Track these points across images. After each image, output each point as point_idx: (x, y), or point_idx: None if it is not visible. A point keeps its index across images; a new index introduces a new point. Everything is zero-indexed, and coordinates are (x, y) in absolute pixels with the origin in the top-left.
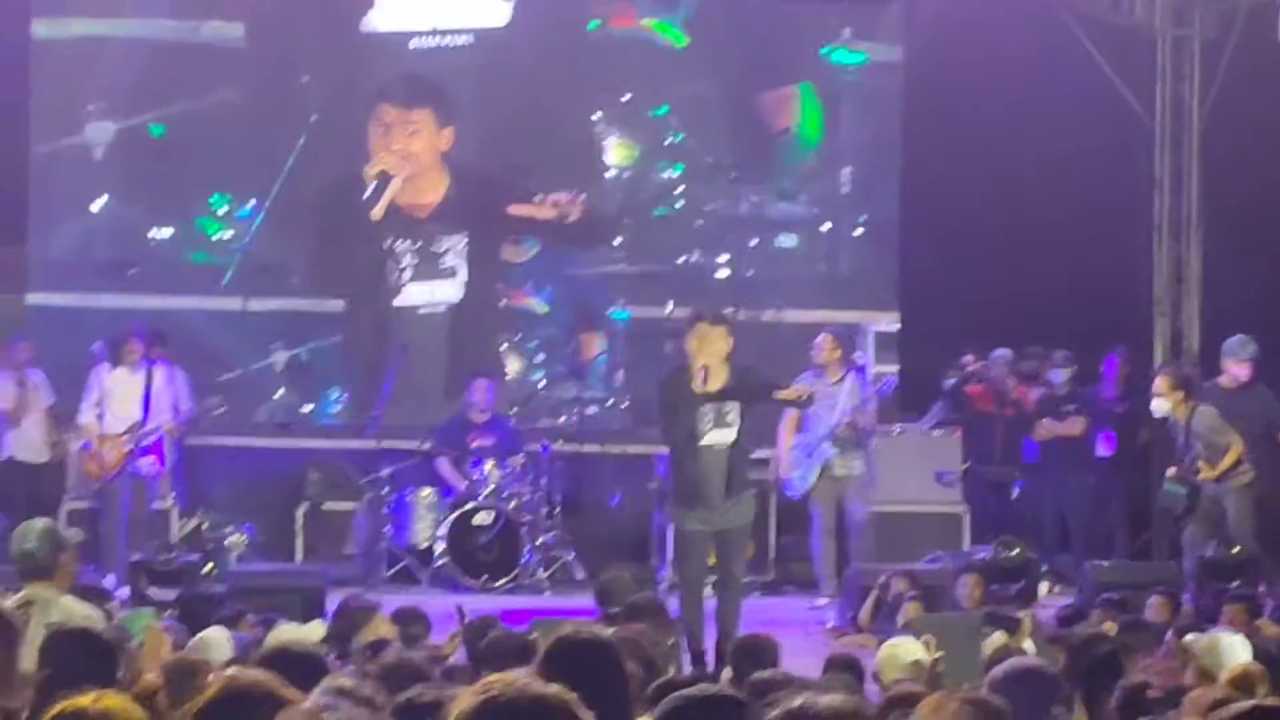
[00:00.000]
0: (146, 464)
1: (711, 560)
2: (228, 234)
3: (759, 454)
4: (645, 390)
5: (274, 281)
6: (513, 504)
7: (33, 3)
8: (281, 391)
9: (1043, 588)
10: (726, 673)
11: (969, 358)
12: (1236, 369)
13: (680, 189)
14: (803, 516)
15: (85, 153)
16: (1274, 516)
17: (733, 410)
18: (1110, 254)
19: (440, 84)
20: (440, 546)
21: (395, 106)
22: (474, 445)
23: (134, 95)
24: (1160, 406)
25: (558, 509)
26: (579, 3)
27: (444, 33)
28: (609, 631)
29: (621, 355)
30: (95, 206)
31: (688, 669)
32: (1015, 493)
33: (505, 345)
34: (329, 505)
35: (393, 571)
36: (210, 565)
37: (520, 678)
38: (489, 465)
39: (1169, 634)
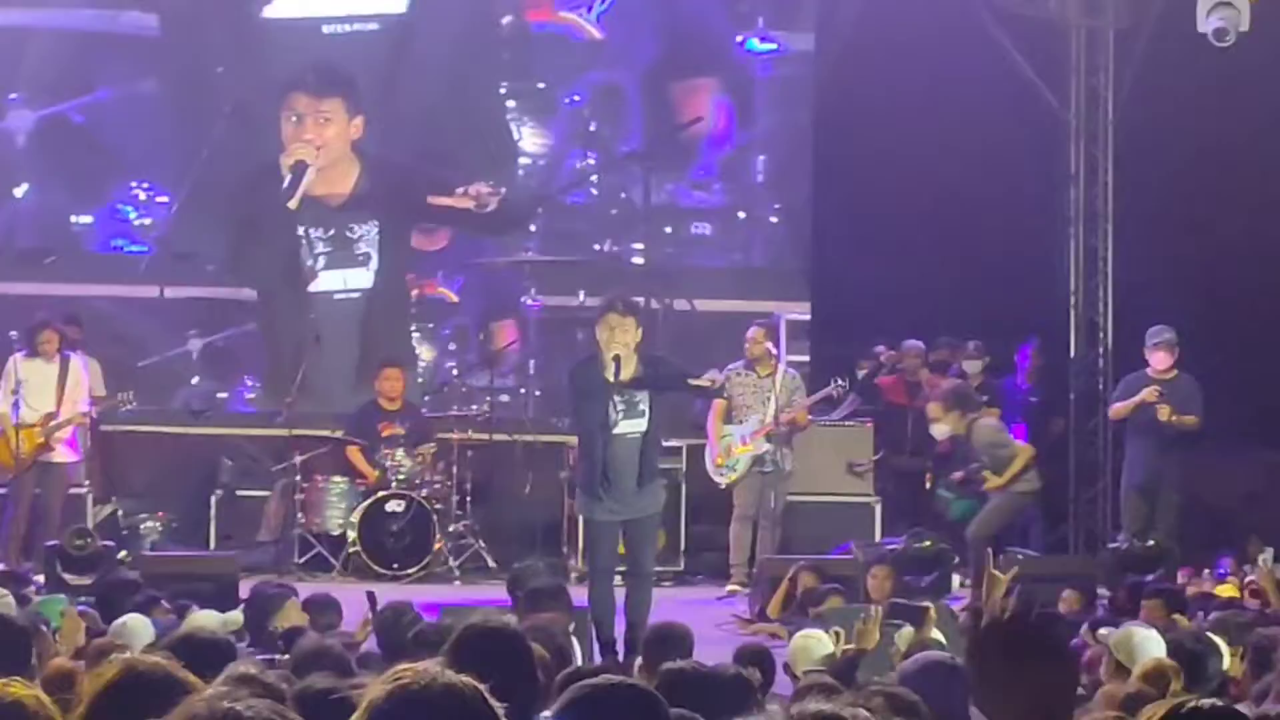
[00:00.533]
0: (62, 454)
1: (621, 550)
2: (147, 220)
3: (672, 443)
4: (557, 379)
5: (190, 270)
6: (424, 493)
7: None
8: (197, 379)
9: (955, 580)
10: (637, 662)
11: (881, 348)
12: (1151, 356)
13: (594, 177)
14: (716, 506)
15: (7, 140)
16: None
17: (643, 400)
18: (1025, 245)
19: (351, 73)
20: (352, 534)
21: (307, 96)
22: (385, 433)
23: (55, 84)
24: (940, 430)
25: (469, 498)
26: None
27: (352, 19)
28: (517, 620)
29: (533, 344)
30: (17, 193)
31: (597, 658)
32: (928, 484)
33: (418, 334)
34: (242, 492)
35: (305, 559)
36: (124, 552)
37: (432, 667)
38: (400, 454)
39: (1083, 627)
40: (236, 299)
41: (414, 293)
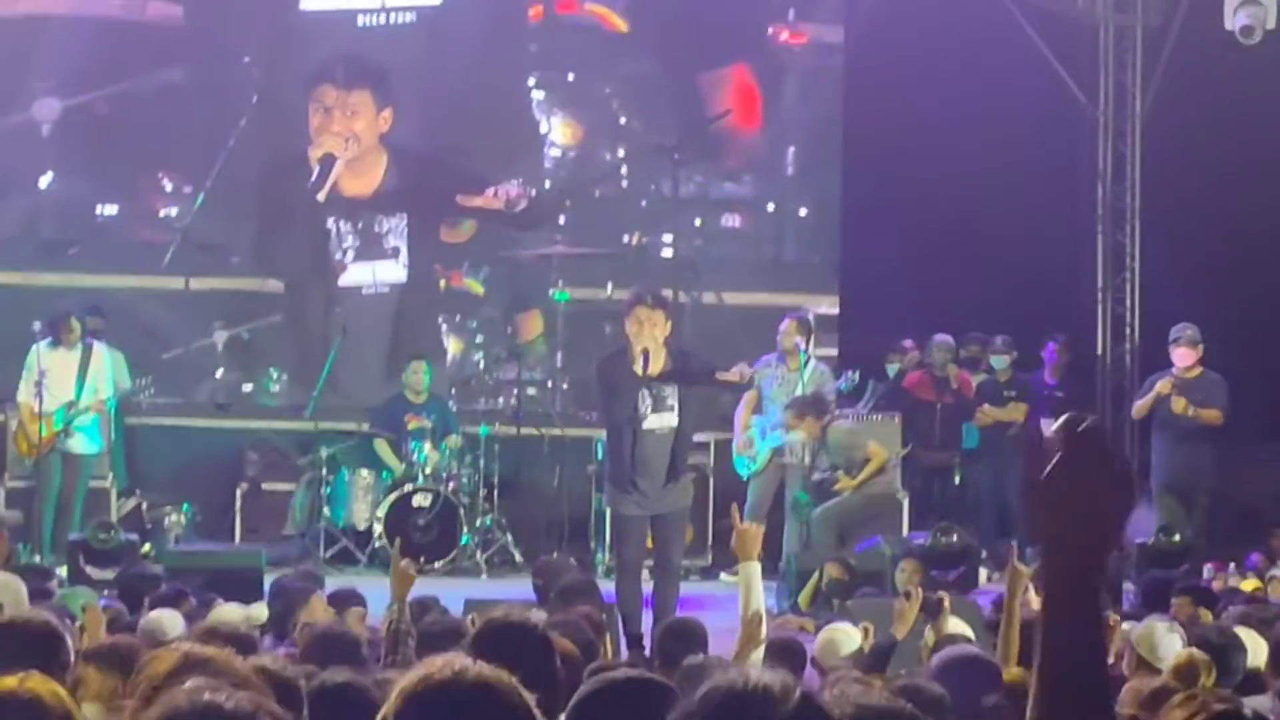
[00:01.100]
0: (81, 443)
1: (649, 544)
2: (173, 211)
3: (700, 438)
4: (584, 372)
5: (215, 261)
6: (451, 486)
7: None
8: (222, 371)
9: (982, 574)
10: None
11: (909, 342)
12: (1174, 354)
13: (624, 169)
14: (744, 500)
15: (32, 130)
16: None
17: (672, 394)
18: (1052, 241)
19: (380, 65)
20: (378, 528)
21: (335, 88)
22: (412, 426)
23: (80, 74)
24: (796, 438)
25: (496, 491)
26: None
27: (388, 10)
28: (541, 615)
29: (561, 337)
30: (42, 183)
31: (624, 653)
32: (956, 479)
33: (445, 326)
34: (268, 485)
35: (331, 553)
36: (148, 545)
37: (461, 659)
38: (427, 447)
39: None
40: (262, 291)
41: (440, 284)
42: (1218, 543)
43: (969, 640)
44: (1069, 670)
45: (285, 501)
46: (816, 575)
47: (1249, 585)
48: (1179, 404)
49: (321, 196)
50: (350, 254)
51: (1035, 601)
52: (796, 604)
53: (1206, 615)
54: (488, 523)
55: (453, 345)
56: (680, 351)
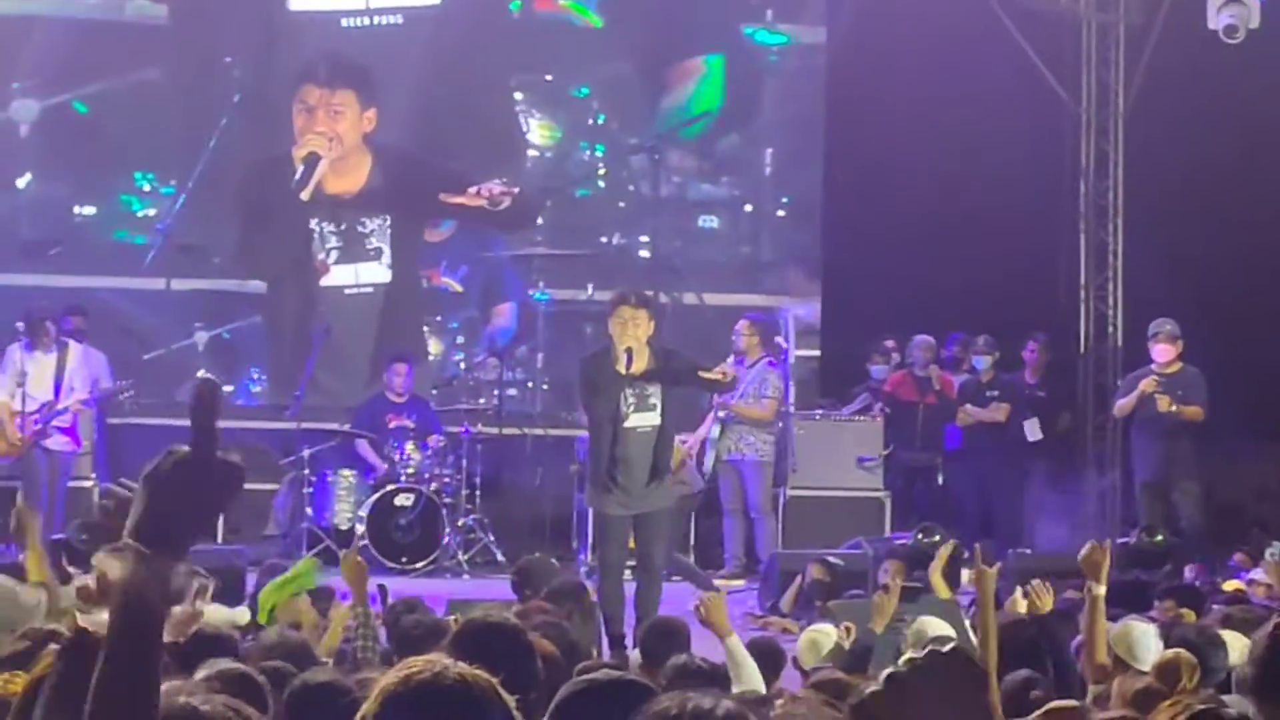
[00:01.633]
0: (60, 443)
1: (631, 545)
2: (152, 211)
3: (682, 437)
4: (565, 372)
5: (196, 262)
6: (433, 486)
7: None
8: (203, 372)
9: (964, 574)
10: (635, 656)
11: (890, 343)
12: (1153, 349)
13: (602, 170)
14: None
15: (10, 130)
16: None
17: (655, 393)
18: (1035, 239)
19: (364, 65)
20: (361, 528)
21: (319, 87)
22: (393, 426)
23: (59, 73)
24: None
25: (478, 491)
26: None
27: (375, 12)
28: (520, 615)
29: (541, 337)
30: (21, 183)
31: (606, 653)
32: (939, 479)
33: (426, 327)
34: (250, 486)
35: (313, 553)
36: None
37: (442, 659)
38: (410, 447)
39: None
40: (243, 291)
41: (423, 282)
42: (1197, 541)
43: (952, 639)
44: None
45: (267, 502)
46: (800, 577)
47: (1231, 586)
48: (1164, 402)
49: (305, 195)
50: (334, 254)
51: (1021, 604)
52: (779, 606)
53: (1190, 616)
54: (470, 523)
55: (433, 346)
56: (663, 350)
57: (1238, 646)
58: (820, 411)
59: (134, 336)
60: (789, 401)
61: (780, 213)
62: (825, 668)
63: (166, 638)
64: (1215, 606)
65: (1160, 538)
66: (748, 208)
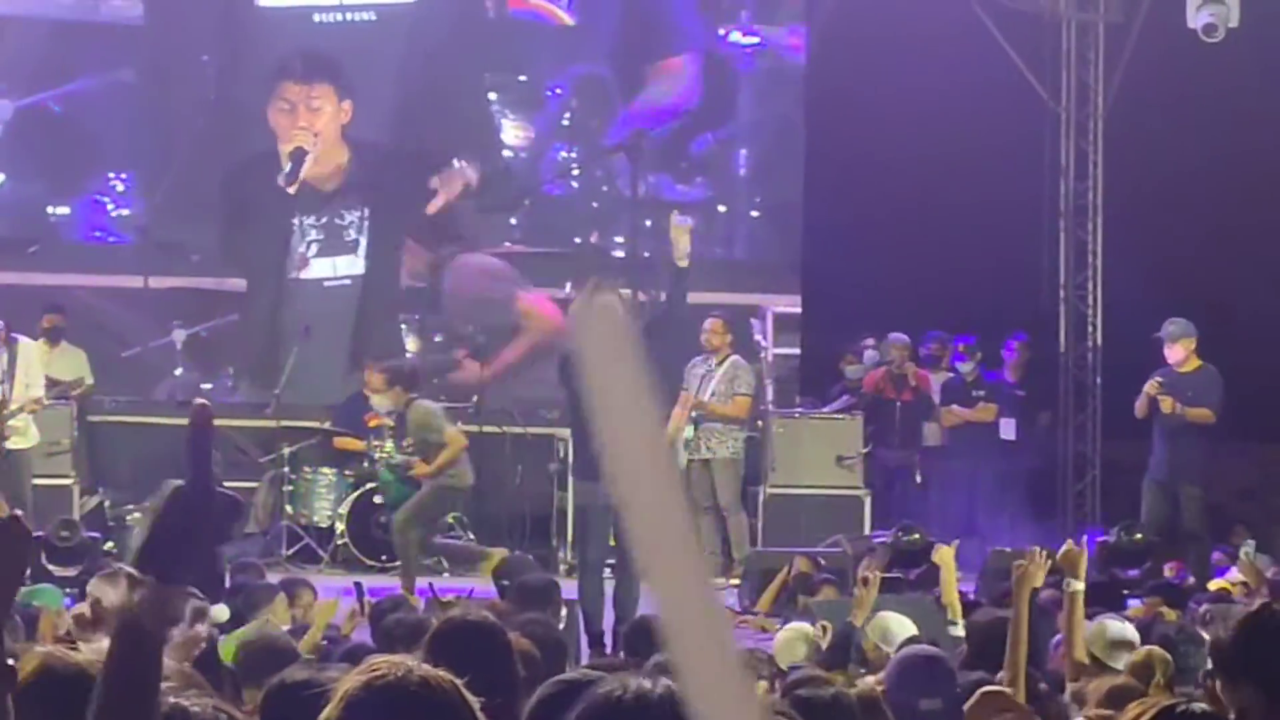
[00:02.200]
0: (18, 440)
1: (612, 542)
2: (125, 211)
3: None
4: (543, 371)
5: (174, 260)
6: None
7: None
8: (180, 370)
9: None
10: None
11: (870, 341)
12: (1165, 351)
13: (575, 170)
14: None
15: None
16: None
17: None
18: (1015, 238)
19: (337, 59)
20: (340, 526)
21: (297, 83)
22: (373, 424)
23: (33, 74)
24: (379, 403)
25: None
26: None
27: (348, 9)
28: (500, 613)
29: None
30: None
31: (586, 651)
32: (917, 477)
33: (404, 325)
34: (230, 484)
35: (293, 551)
36: (110, 543)
37: (407, 660)
38: (389, 445)
39: (1060, 616)
40: (220, 289)
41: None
42: (1197, 544)
43: (915, 638)
44: None
45: (247, 500)
46: (783, 574)
47: (1216, 585)
48: (1165, 404)
49: (293, 190)
50: (314, 248)
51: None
52: (757, 605)
53: (1171, 614)
54: (449, 521)
55: (411, 344)
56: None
57: None
58: (799, 410)
59: (112, 334)
60: (767, 399)
61: (754, 213)
62: (803, 667)
63: (173, 660)
64: (1204, 605)
65: (1139, 535)
66: (721, 209)
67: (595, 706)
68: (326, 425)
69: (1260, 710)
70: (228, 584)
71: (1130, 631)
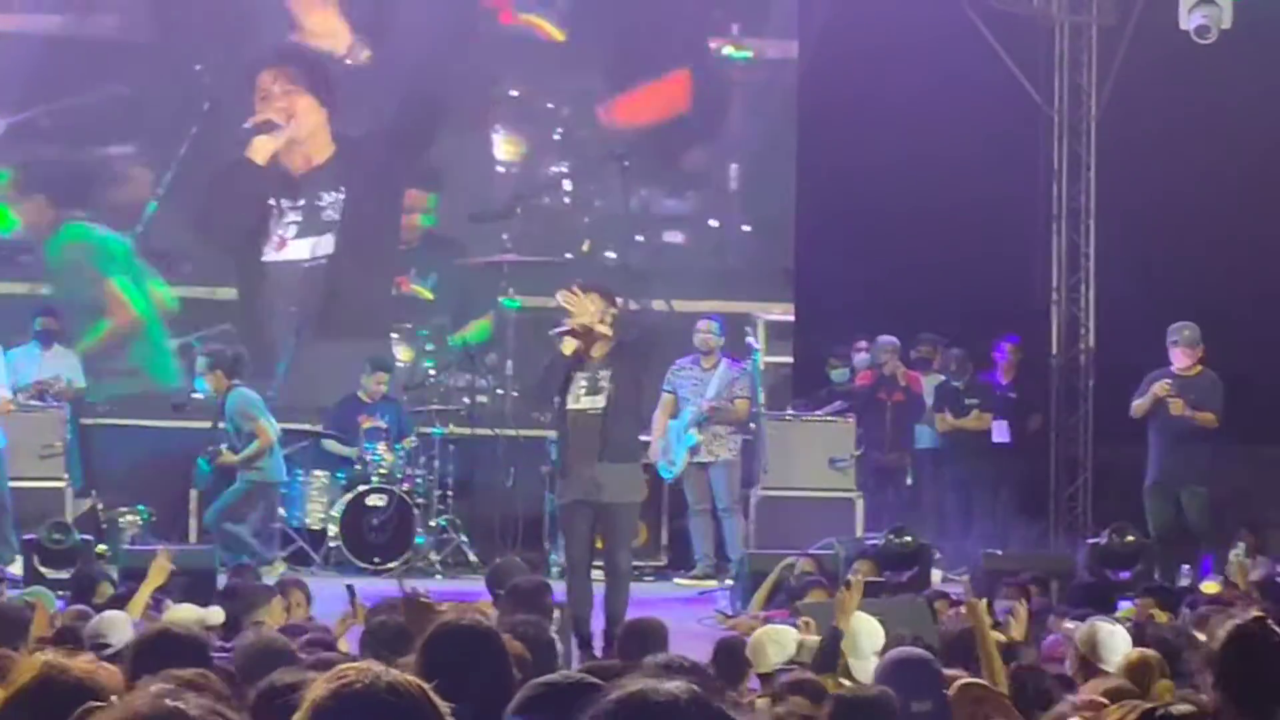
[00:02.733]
0: None
1: (599, 543)
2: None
3: (649, 436)
4: (535, 379)
5: (167, 268)
6: (405, 487)
7: None
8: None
9: (935, 575)
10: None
11: (862, 343)
12: (1172, 355)
13: (567, 184)
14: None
15: None
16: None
17: (606, 378)
18: (1008, 241)
19: (316, 54)
20: (333, 528)
21: (271, 70)
22: (365, 427)
23: (24, 90)
24: (202, 386)
25: (450, 492)
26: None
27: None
28: (492, 617)
29: (511, 344)
30: None
31: (575, 653)
32: (909, 479)
33: (395, 334)
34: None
35: (286, 553)
36: (103, 546)
37: (375, 665)
38: (382, 448)
39: (1050, 617)
40: (212, 298)
41: (392, 291)
42: (1200, 546)
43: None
44: None
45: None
46: (774, 576)
47: (1210, 588)
48: (1176, 406)
49: (258, 157)
50: (292, 229)
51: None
52: (749, 606)
53: (1163, 616)
54: (442, 523)
55: (403, 353)
56: (623, 341)
57: None
58: (792, 412)
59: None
60: (760, 402)
61: (745, 227)
62: (792, 669)
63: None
64: (1201, 607)
65: (1131, 538)
66: (712, 223)
67: (627, 706)
68: (319, 428)
69: None
70: (220, 586)
71: (1121, 634)
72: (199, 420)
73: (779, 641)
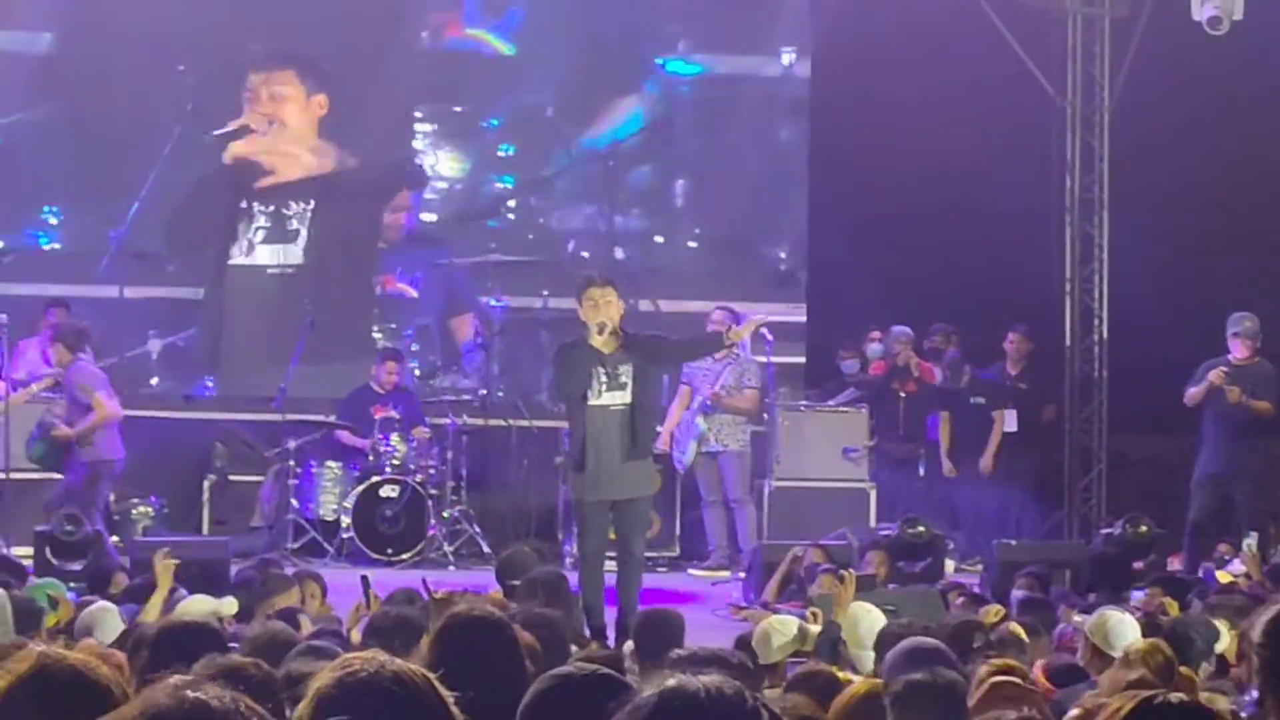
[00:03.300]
0: None
1: (612, 534)
2: (58, 245)
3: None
4: (521, 379)
5: (150, 269)
6: (418, 477)
7: None
8: (156, 379)
9: (949, 565)
10: (627, 647)
11: (875, 334)
12: (1232, 345)
13: (511, 202)
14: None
15: None
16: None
17: (626, 372)
18: (1021, 232)
19: (306, 51)
20: (346, 519)
21: (259, 71)
22: (378, 417)
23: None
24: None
25: (463, 483)
26: (411, 13)
27: None
28: (504, 607)
29: (496, 345)
30: None
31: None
32: (920, 470)
33: (380, 334)
34: (236, 477)
35: (299, 544)
36: (116, 537)
37: (380, 655)
38: (395, 438)
39: (1060, 607)
40: (196, 299)
41: (376, 290)
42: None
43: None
44: None
45: (253, 493)
46: (785, 565)
47: (1225, 577)
48: (1233, 394)
49: (227, 157)
50: (260, 234)
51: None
52: (762, 597)
53: (1173, 606)
54: (455, 514)
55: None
56: (633, 331)
57: (1226, 635)
58: (805, 403)
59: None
60: (772, 392)
61: (691, 244)
62: (801, 660)
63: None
64: (1214, 596)
65: (1144, 528)
66: (658, 239)
67: (673, 702)
68: (332, 419)
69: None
70: (233, 578)
71: (1130, 623)
72: (211, 411)
73: (782, 631)
